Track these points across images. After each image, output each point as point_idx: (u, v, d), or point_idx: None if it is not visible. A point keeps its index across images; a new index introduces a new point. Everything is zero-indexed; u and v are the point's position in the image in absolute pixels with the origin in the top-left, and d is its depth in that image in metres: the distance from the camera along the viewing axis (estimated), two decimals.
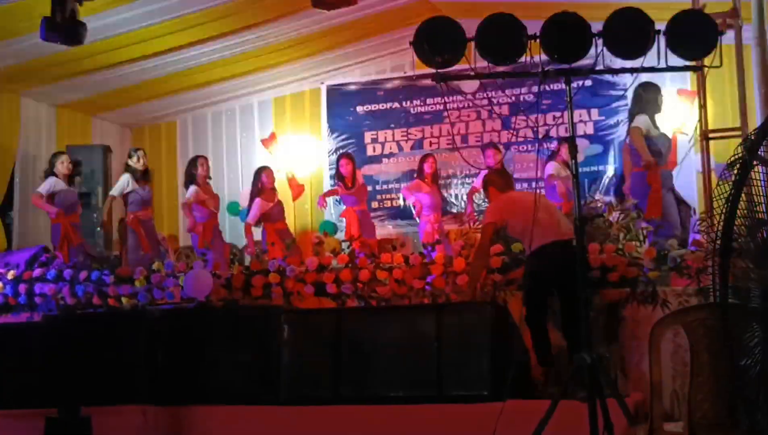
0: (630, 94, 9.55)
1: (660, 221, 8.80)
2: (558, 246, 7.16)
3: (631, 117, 9.39)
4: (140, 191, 10.86)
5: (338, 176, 11.80)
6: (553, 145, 10.98)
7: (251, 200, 11.14)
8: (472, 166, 11.85)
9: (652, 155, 9.07)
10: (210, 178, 11.23)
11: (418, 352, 6.99)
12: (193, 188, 10.85)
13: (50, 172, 10.71)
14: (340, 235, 11.65)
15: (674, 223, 9.00)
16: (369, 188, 12.63)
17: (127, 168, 10.95)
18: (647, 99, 9.32)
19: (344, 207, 12.01)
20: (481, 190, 8.67)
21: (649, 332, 5.39)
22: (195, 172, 10.97)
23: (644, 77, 9.23)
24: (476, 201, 11.96)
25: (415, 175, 11.94)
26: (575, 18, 5.60)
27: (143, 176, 11.00)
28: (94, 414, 7.07)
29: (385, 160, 13.52)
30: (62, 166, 10.75)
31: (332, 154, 13.60)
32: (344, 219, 11.92)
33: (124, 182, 10.88)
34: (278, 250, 10.17)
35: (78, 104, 12.83)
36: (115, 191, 11.00)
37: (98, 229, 11.37)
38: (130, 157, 11.06)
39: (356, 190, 11.71)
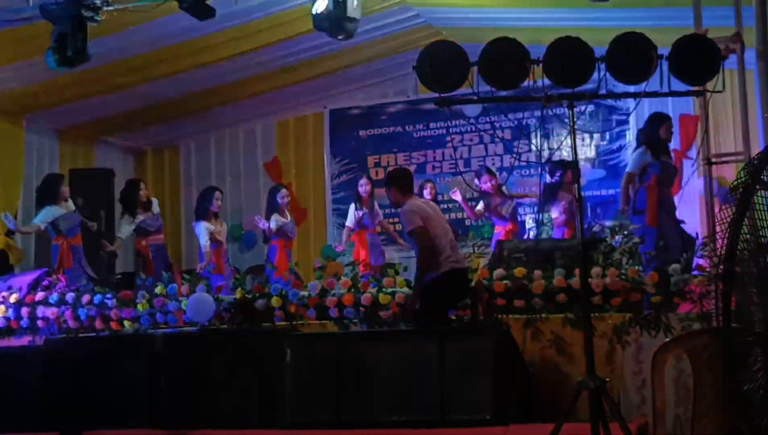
0: (632, 119, 9.61)
1: (661, 244, 8.81)
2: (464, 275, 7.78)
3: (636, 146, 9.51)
4: (147, 221, 11.05)
5: (355, 197, 11.72)
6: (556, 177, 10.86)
7: (268, 216, 11.20)
8: (474, 190, 11.86)
9: (655, 183, 9.14)
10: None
11: (420, 377, 6.96)
12: (203, 228, 11.07)
13: (47, 197, 10.76)
14: (344, 259, 11.58)
15: (675, 248, 8.99)
16: None
17: (127, 207, 11.14)
18: (646, 131, 9.40)
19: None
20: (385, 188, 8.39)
21: (651, 357, 5.37)
22: (209, 206, 11.18)
23: (651, 108, 9.30)
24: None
25: None
26: (578, 43, 5.63)
27: (145, 207, 11.14)
28: None
29: None
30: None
31: (335, 178, 13.62)
32: (353, 242, 11.79)
33: (128, 225, 11.12)
34: (282, 271, 10.16)
35: (81, 128, 12.84)
36: (121, 234, 11.23)
37: (102, 253, 11.33)
38: (130, 192, 11.20)
39: (370, 213, 11.66)
